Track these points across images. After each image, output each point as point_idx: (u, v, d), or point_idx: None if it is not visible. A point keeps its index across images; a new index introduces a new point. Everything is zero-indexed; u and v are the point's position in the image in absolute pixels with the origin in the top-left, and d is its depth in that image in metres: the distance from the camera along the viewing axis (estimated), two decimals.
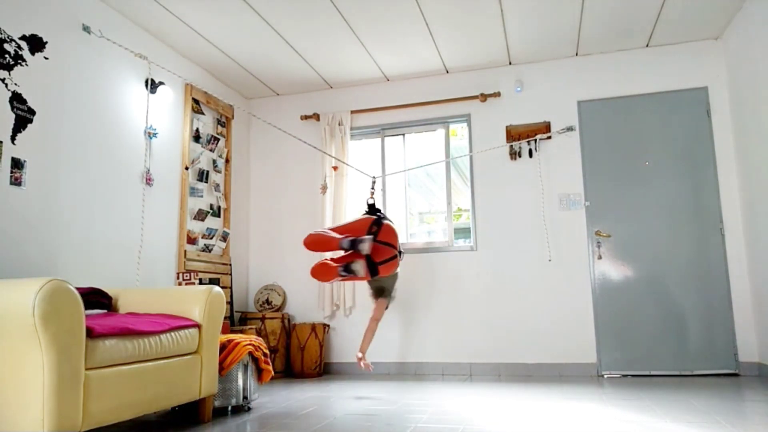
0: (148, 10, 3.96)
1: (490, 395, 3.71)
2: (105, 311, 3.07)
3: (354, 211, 5.29)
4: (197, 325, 3.00)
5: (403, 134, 5.34)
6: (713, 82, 4.58)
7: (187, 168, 4.55)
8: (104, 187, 3.75)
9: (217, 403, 3.18)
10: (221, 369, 3.17)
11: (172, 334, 2.78)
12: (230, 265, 5.03)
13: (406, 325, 4.99)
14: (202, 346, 3.01)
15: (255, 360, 3.42)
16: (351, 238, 3.83)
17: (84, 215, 3.58)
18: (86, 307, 2.39)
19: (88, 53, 3.69)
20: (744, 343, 4.28)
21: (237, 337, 3.37)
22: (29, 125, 3.21)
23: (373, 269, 3.95)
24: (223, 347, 3.23)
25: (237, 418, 3.15)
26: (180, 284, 4.14)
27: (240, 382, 3.27)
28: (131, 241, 3.95)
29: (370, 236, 3.86)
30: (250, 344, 3.36)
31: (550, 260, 4.70)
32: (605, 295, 4.59)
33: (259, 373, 3.49)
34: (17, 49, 3.17)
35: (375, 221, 4.12)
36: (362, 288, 5.11)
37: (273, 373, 3.56)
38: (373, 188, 4.54)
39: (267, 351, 3.52)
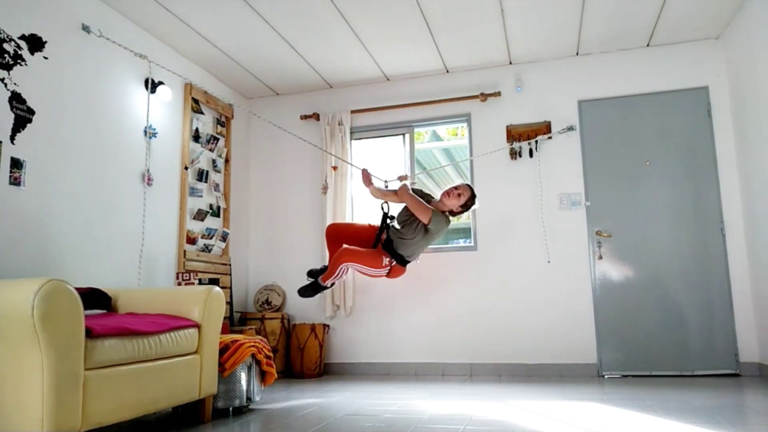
0: (148, 10, 3.96)
1: (490, 395, 3.71)
2: (104, 311, 3.07)
3: (357, 212, 5.30)
4: (197, 325, 2.99)
5: (404, 134, 5.33)
6: (714, 82, 4.57)
7: (186, 168, 4.54)
8: (104, 187, 3.74)
9: (220, 404, 3.17)
10: (224, 370, 3.16)
11: (172, 334, 2.78)
12: (230, 265, 5.02)
13: (407, 325, 4.98)
14: (202, 346, 3.00)
15: (258, 362, 3.41)
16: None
17: (84, 215, 3.57)
18: (86, 307, 2.38)
19: (88, 53, 3.68)
20: (745, 344, 4.27)
21: (241, 337, 3.36)
22: (29, 125, 3.21)
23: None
24: (226, 348, 3.22)
25: (237, 418, 3.15)
26: (180, 284, 4.13)
27: (243, 383, 3.27)
28: (131, 241, 3.94)
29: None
30: (253, 346, 3.35)
31: (549, 261, 4.69)
32: (606, 295, 4.58)
33: (263, 375, 3.47)
34: (17, 48, 3.16)
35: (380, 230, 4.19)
36: (362, 288, 5.11)
37: (276, 375, 3.54)
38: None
39: (270, 353, 3.51)
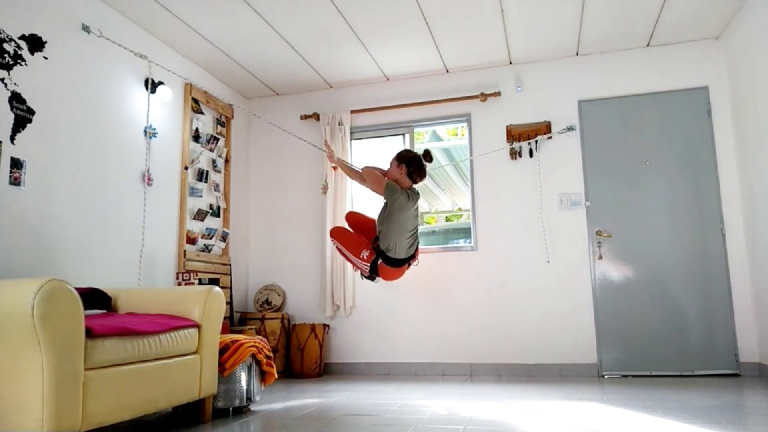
0: (148, 10, 3.96)
1: (490, 395, 3.71)
2: (104, 311, 3.07)
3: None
4: (197, 325, 3.00)
5: (404, 134, 5.33)
6: (714, 82, 4.57)
7: (186, 168, 4.54)
8: (104, 187, 3.74)
9: (220, 404, 3.17)
10: (224, 370, 3.16)
11: (172, 334, 2.78)
12: (230, 265, 5.02)
13: (407, 325, 4.98)
14: (202, 346, 3.00)
15: (258, 362, 3.41)
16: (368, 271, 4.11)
17: (84, 215, 3.57)
18: (86, 307, 2.38)
19: (88, 53, 3.68)
20: (745, 344, 4.27)
21: (241, 337, 3.36)
22: (29, 125, 3.21)
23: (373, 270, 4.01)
24: (227, 348, 3.22)
25: (237, 418, 3.15)
26: (179, 284, 4.13)
27: (243, 383, 3.27)
28: (131, 241, 3.94)
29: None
30: (253, 346, 3.35)
31: (548, 261, 4.69)
32: (606, 295, 4.58)
33: (263, 375, 3.47)
34: (17, 48, 3.16)
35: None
36: (363, 288, 5.10)
37: (276, 375, 3.54)
38: None
39: (270, 353, 3.51)
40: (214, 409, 3.15)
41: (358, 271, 4.36)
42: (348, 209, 5.22)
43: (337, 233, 4.18)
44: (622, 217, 4.63)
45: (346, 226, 4.39)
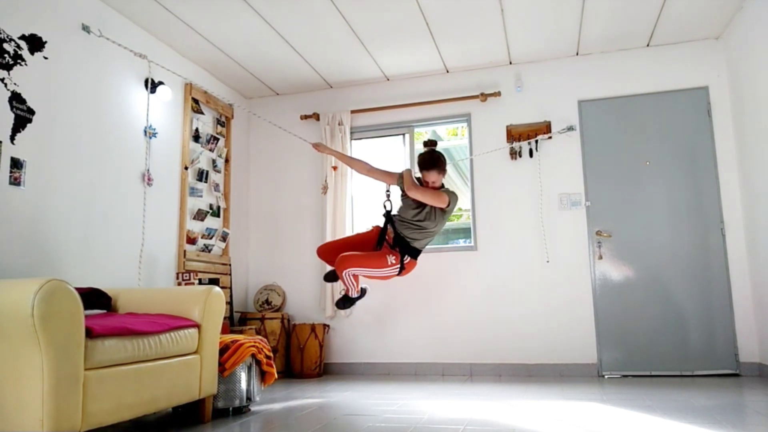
0: (148, 10, 3.96)
1: (490, 395, 3.71)
2: (104, 311, 3.07)
3: (356, 212, 5.30)
4: (197, 326, 3.00)
5: (404, 134, 5.33)
6: (714, 82, 4.57)
7: (186, 168, 4.54)
8: (104, 187, 3.74)
9: (220, 404, 3.17)
10: (224, 370, 3.16)
11: (172, 334, 2.78)
12: (230, 265, 5.02)
13: (407, 325, 4.98)
14: (202, 346, 3.01)
15: (258, 362, 3.41)
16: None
17: (84, 215, 3.57)
18: (86, 307, 2.38)
19: (88, 53, 3.68)
20: (745, 344, 4.27)
21: (241, 337, 3.36)
22: (29, 125, 3.21)
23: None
24: (227, 348, 3.22)
25: (237, 418, 3.15)
26: (179, 284, 4.13)
27: (243, 383, 3.27)
28: (131, 241, 3.94)
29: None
30: (253, 346, 3.35)
31: (548, 261, 4.69)
32: (606, 295, 4.58)
33: (263, 375, 3.47)
34: (17, 48, 3.16)
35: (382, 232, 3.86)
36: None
37: (276, 375, 3.54)
38: (388, 190, 3.91)
39: (270, 353, 3.51)
40: (214, 409, 3.15)
41: (344, 292, 3.87)
42: (348, 209, 5.21)
43: (346, 260, 3.61)
44: (622, 217, 4.63)
45: (328, 255, 3.92)
